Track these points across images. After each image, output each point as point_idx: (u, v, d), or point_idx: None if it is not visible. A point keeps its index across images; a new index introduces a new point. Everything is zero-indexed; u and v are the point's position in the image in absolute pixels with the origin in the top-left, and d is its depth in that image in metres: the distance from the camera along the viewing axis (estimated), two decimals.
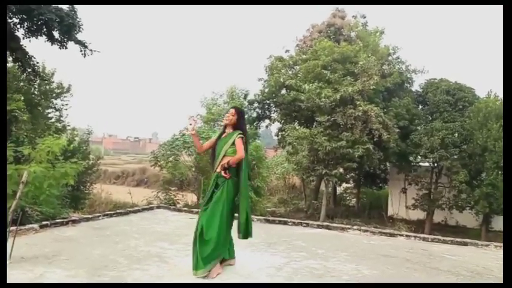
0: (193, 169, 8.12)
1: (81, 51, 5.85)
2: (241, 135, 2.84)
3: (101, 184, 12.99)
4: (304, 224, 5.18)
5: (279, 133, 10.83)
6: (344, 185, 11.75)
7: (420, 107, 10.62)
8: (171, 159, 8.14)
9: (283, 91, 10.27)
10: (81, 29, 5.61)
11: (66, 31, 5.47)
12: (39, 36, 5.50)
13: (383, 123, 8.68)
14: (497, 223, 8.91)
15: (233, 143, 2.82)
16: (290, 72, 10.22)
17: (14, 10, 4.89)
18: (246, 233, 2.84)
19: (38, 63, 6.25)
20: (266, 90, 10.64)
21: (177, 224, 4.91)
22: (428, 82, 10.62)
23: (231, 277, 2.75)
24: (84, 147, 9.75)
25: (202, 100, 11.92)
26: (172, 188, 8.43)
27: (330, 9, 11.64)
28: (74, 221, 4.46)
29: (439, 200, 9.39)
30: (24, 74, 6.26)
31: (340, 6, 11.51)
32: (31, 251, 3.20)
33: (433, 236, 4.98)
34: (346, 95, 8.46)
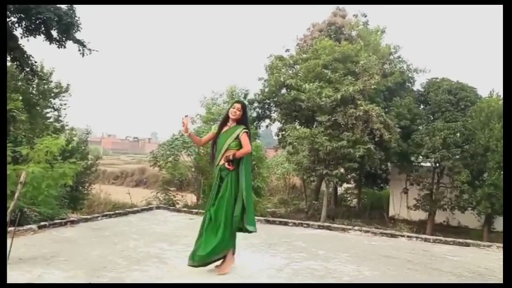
0: (193, 169, 8.10)
1: (79, 50, 5.84)
2: (247, 130, 2.87)
3: (100, 184, 13.00)
4: (305, 225, 5.15)
5: (279, 133, 10.81)
6: (345, 185, 11.72)
7: (422, 106, 10.58)
8: (170, 159, 8.13)
9: (284, 91, 10.25)
10: (79, 28, 5.59)
11: (64, 30, 5.45)
12: (37, 36, 5.49)
13: (384, 123, 8.64)
14: (500, 224, 8.85)
15: (237, 137, 2.83)
16: (290, 72, 10.19)
17: (12, 9, 4.86)
18: (238, 225, 2.78)
19: (36, 62, 6.26)
20: (266, 89, 10.61)
21: (176, 224, 4.89)
22: (430, 81, 10.58)
23: (231, 278, 2.74)
24: (83, 147, 9.76)
25: (202, 100, 11.91)
26: (172, 189, 8.41)
27: (330, 8, 11.62)
28: (73, 222, 4.44)
29: (441, 201, 9.35)
30: (23, 74, 6.25)
31: (341, 5, 11.48)
32: (29, 251, 3.19)
33: (434, 237, 4.95)
34: (347, 94, 8.43)
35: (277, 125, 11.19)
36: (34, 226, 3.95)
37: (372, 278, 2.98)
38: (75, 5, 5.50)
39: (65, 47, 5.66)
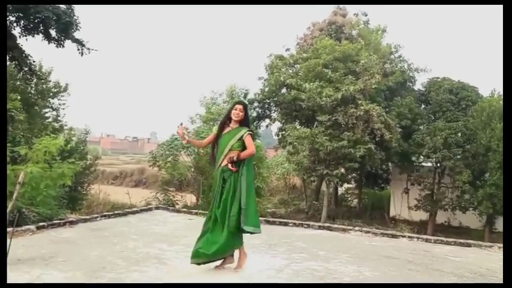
0: (193, 169, 8.07)
1: (78, 49, 5.82)
2: (251, 132, 2.89)
3: (99, 185, 13.00)
4: (305, 225, 5.14)
5: (280, 133, 10.77)
6: (345, 185, 11.67)
7: (423, 106, 10.53)
8: (170, 159, 8.11)
9: (284, 90, 10.21)
10: (78, 28, 5.57)
11: (63, 29, 5.43)
12: (35, 35, 5.47)
13: (385, 122, 8.60)
14: (501, 224, 8.81)
15: (240, 138, 2.83)
16: (290, 71, 10.16)
17: (10, 8, 4.84)
18: (235, 225, 2.75)
19: (34, 62, 6.25)
20: (266, 89, 10.57)
21: (176, 225, 4.88)
22: (431, 81, 10.53)
23: (231, 278, 2.73)
24: (82, 147, 9.76)
25: (202, 99, 11.86)
26: (171, 189, 8.39)
27: (331, 7, 11.57)
28: (72, 222, 4.43)
29: (442, 201, 9.30)
30: (21, 73, 6.24)
31: (341, 4, 11.44)
32: (28, 252, 3.18)
33: (435, 237, 4.93)
34: (348, 94, 8.39)
35: (277, 124, 11.16)
36: (32, 227, 3.94)
37: (372, 278, 2.96)
38: (74, 4, 5.49)
39: (63, 46, 5.64)
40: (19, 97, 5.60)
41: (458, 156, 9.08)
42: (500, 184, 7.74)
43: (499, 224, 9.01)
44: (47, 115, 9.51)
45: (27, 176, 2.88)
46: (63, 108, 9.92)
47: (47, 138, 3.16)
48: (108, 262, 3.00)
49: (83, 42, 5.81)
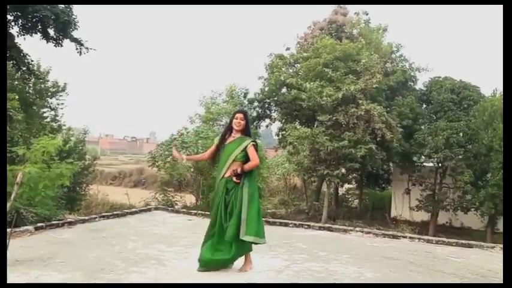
0: (192, 170, 8.03)
1: (77, 49, 5.79)
2: (254, 143, 2.88)
3: (97, 185, 13.00)
4: (306, 226, 5.11)
5: (280, 133, 10.74)
6: (346, 185, 11.64)
7: (424, 106, 10.49)
8: (169, 159, 8.06)
9: (284, 90, 10.18)
10: (76, 27, 5.55)
11: (61, 28, 5.40)
12: (34, 34, 5.44)
13: (386, 122, 8.55)
14: None
15: (244, 149, 2.82)
16: (291, 71, 10.13)
17: (8, 7, 4.83)
18: (231, 234, 2.74)
19: (32, 61, 6.24)
20: (266, 88, 10.55)
21: (175, 225, 4.86)
22: (433, 80, 10.48)
23: (230, 280, 2.72)
24: (80, 147, 9.76)
25: (201, 99, 11.81)
26: (170, 189, 8.35)
27: (331, 6, 11.53)
28: (70, 223, 4.40)
29: (444, 201, 9.25)
30: (19, 73, 6.23)
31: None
32: (26, 253, 3.17)
33: (437, 238, 4.91)
34: (348, 93, 8.35)
35: (277, 124, 11.14)
36: (31, 227, 3.91)
37: (373, 279, 2.95)
38: (73, 4, 5.47)
39: (61, 45, 5.61)
40: (17, 97, 5.59)
41: (460, 157, 9.03)
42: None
43: (501, 225, 8.95)
44: (45, 115, 9.48)
45: (25, 176, 2.86)
46: (62, 108, 9.93)
47: (45, 138, 3.14)
48: (107, 263, 2.99)
49: (82, 42, 5.79)
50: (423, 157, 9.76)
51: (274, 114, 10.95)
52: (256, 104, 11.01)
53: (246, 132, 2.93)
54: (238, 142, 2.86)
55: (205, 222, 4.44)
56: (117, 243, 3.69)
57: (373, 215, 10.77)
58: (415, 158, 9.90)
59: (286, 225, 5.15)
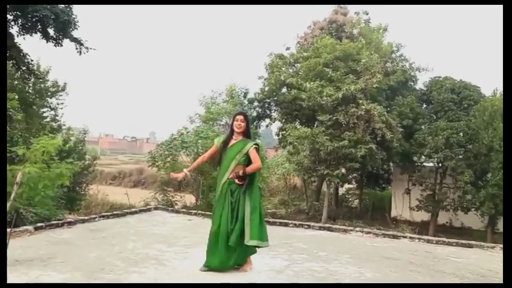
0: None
1: (76, 48, 5.77)
2: (256, 146, 2.90)
3: (97, 185, 12.98)
4: (306, 226, 5.10)
5: (280, 132, 10.73)
6: (346, 185, 11.62)
7: (424, 105, 10.48)
8: (168, 159, 8.05)
9: (284, 89, 10.17)
10: (76, 26, 5.53)
11: (61, 28, 5.39)
12: (33, 34, 5.43)
13: (386, 122, 8.55)
14: None
15: (246, 152, 2.84)
16: (291, 70, 10.12)
17: (8, 7, 4.82)
18: (235, 239, 2.77)
19: (32, 61, 6.19)
20: (266, 88, 10.53)
21: (175, 225, 4.85)
22: (433, 80, 10.47)
23: (230, 280, 2.72)
24: (80, 147, 9.71)
25: (201, 99, 11.79)
26: (170, 189, 8.34)
27: (331, 5, 11.51)
28: (70, 223, 4.39)
29: (444, 201, 9.25)
30: (19, 72, 6.21)
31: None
32: (26, 253, 3.16)
33: (437, 238, 4.90)
34: (349, 93, 8.34)
35: (277, 124, 11.13)
36: (30, 227, 3.90)
37: (373, 280, 2.95)
38: (74, 4, 5.46)
39: (61, 45, 5.59)
40: (17, 96, 5.58)
41: (460, 156, 9.02)
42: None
43: (501, 225, 8.94)
44: (45, 115, 9.43)
45: (25, 176, 2.85)
46: (61, 108, 9.89)
47: (45, 138, 3.13)
48: (107, 263, 2.98)
49: (81, 41, 5.77)
50: (423, 157, 9.75)
51: (274, 114, 10.94)
52: (256, 103, 10.99)
53: (246, 133, 2.95)
54: (240, 145, 2.88)
55: (205, 222, 4.47)
56: (116, 243, 3.69)
57: (373, 215, 10.76)
58: (415, 158, 9.89)
59: (286, 225, 5.14)
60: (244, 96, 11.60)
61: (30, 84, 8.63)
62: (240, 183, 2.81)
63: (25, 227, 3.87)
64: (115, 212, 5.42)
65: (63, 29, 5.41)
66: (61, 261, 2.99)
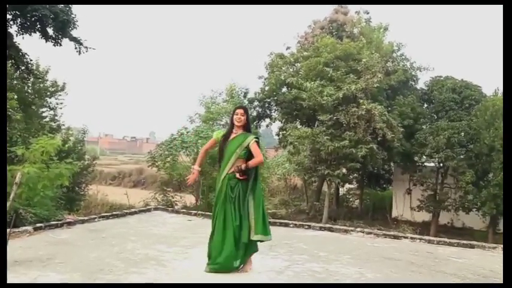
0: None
1: (76, 48, 5.75)
2: (257, 140, 2.87)
3: (97, 185, 12.99)
4: (306, 226, 5.09)
5: (280, 132, 10.68)
6: (347, 185, 11.57)
7: (425, 105, 10.42)
8: (168, 159, 8.03)
9: (284, 89, 10.13)
10: (76, 26, 5.52)
11: (60, 28, 5.37)
12: (32, 33, 5.41)
13: (387, 122, 8.51)
14: None
15: (247, 146, 2.81)
16: (291, 70, 10.07)
17: (7, 6, 4.81)
18: (248, 235, 2.78)
19: (31, 60, 6.18)
20: (266, 88, 10.49)
21: (175, 226, 4.84)
22: (434, 80, 10.42)
23: (231, 281, 2.70)
24: (80, 147, 9.65)
25: (201, 99, 11.77)
26: (170, 189, 8.33)
27: (332, 4, 11.47)
28: (69, 223, 4.39)
29: (445, 201, 9.20)
30: (18, 72, 6.20)
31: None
32: (25, 254, 3.16)
33: (438, 239, 4.88)
34: (349, 93, 8.30)
35: (277, 124, 11.07)
36: (30, 228, 3.89)
37: (374, 280, 2.93)
38: (74, 4, 5.44)
39: (60, 44, 5.57)
40: (16, 96, 5.59)
41: (462, 156, 8.97)
42: None
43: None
44: (44, 115, 9.36)
45: (24, 176, 2.85)
46: (61, 108, 9.83)
47: (44, 138, 3.13)
48: (107, 264, 2.97)
49: (81, 41, 5.74)
50: (424, 157, 9.70)
51: (275, 114, 10.89)
52: (256, 103, 10.95)
53: (247, 127, 2.92)
54: (240, 139, 2.85)
55: (205, 223, 4.47)
56: (116, 243, 3.68)
57: (374, 215, 10.72)
58: (416, 158, 9.84)
59: (286, 225, 5.13)
60: (244, 96, 11.56)
61: (29, 84, 8.58)
62: (242, 178, 2.77)
63: (24, 228, 3.86)
64: (115, 213, 5.41)
65: (62, 29, 5.40)
66: (60, 261, 2.98)
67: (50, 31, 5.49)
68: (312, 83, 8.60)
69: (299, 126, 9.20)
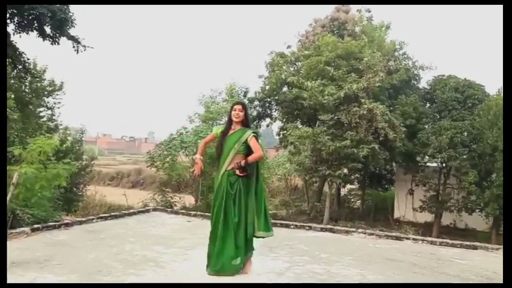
0: (191, 170, 7.97)
1: (73, 47, 5.71)
2: (255, 134, 2.84)
3: (95, 186, 12.86)
4: (307, 227, 5.05)
5: (281, 132, 10.62)
6: (348, 186, 11.51)
7: (428, 104, 10.33)
8: (167, 159, 8.00)
9: (285, 88, 10.07)
10: (73, 24, 5.48)
11: (58, 26, 5.34)
12: (30, 32, 5.38)
13: (389, 121, 8.43)
14: None
15: (245, 141, 2.78)
16: (292, 69, 10.01)
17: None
18: (252, 232, 2.77)
19: (29, 59, 6.13)
20: (267, 87, 10.43)
21: (174, 227, 4.81)
22: (436, 79, 10.33)
23: (231, 282, 2.68)
24: (77, 147, 9.56)
25: (201, 98, 11.73)
26: (169, 190, 8.29)
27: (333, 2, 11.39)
28: (67, 224, 4.35)
29: (448, 202, 9.11)
30: (15, 71, 6.16)
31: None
32: (22, 255, 3.13)
33: (441, 240, 4.82)
34: (351, 92, 8.24)
35: (278, 124, 10.99)
36: (27, 229, 3.86)
37: (376, 282, 2.89)
38: (73, 4, 5.41)
39: (58, 43, 5.53)
40: (13, 96, 5.55)
41: (464, 156, 8.89)
42: None
43: None
44: (41, 114, 9.27)
45: (21, 176, 2.83)
46: (58, 107, 9.75)
47: (42, 138, 3.11)
48: (105, 265, 2.95)
49: (79, 40, 5.69)
50: (427, 157, 9.62)
51: (275, 114, 10.83)
52: (256, 103, 10.89)
53: (245, 123, 2.89)
54: (238, 134, 2.82)
55: (205, 224, 4.42)
56: (114, 244, 3.65)
57: (375, 216, 10.65)
58: (418, 158, 9.76)
59: (287, 226, 5.09)
60: (245, 96, 11.50)
61: (27, 83, 8.49)
62: (242, 174, 2.73)
63: (21, 229, 3.82)
64: (113, 213, 5.38)
65: (60, 27, 5.36)
66: (58, 263, 2.96)
67: (48, 30, 5.45)
68: (313, 82, 8.54)
69: (300, 126, 9.14)
